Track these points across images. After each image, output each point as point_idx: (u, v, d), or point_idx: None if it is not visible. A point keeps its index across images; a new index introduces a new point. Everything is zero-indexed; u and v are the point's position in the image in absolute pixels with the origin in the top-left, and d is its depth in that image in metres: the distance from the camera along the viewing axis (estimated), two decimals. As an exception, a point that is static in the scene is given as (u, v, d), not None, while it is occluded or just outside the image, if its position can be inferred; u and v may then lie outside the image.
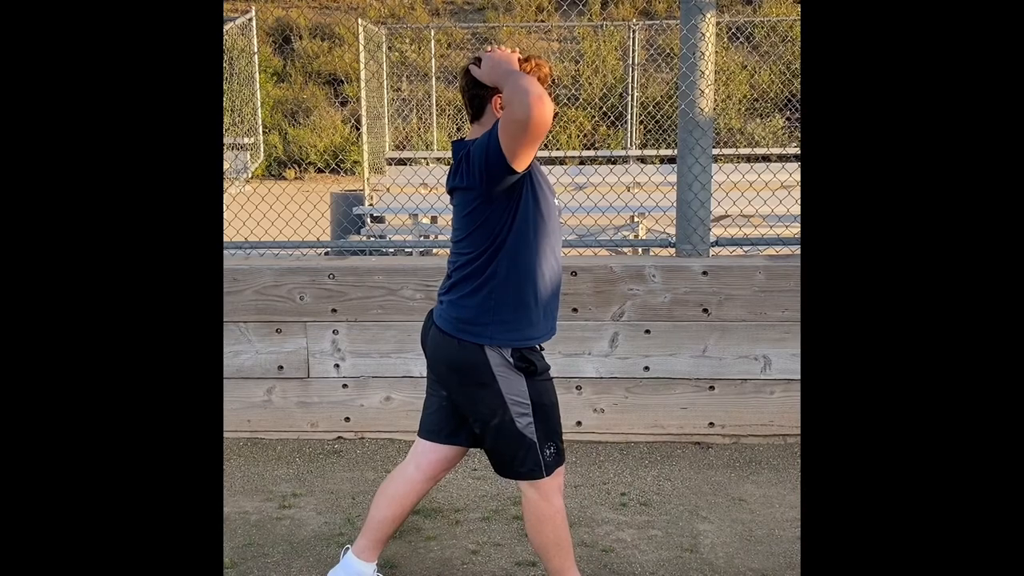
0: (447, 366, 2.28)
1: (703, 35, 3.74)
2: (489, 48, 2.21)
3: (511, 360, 2.22)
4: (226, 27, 6.60)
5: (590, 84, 11.76)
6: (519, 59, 2.18)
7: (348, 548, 2.52)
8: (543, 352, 2.35)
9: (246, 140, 6.85)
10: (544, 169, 2.34)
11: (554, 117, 2.03)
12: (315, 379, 3.77)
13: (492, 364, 2.20)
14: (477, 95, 2.20)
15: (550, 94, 2.09)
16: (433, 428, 2.42)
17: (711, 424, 3.71)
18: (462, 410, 2.33)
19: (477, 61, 2.20)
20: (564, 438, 2.39)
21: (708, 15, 3.73)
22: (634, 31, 9.09)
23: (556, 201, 2.28)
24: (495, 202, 2.13)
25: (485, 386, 2.22)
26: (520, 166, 2.06)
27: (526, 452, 2.25)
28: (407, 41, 11.98)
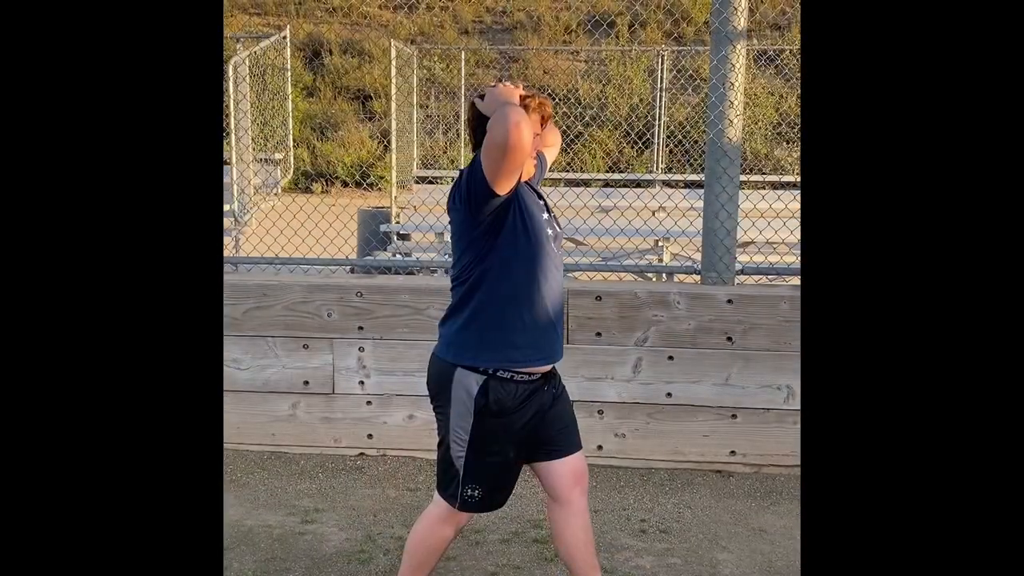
0: (428, 383, 2.34)
1: (733, 65, 3.77)
2: (494, 83, 2.31)
3: (474, 393, 2.22)
4: (261, 44, 6.71)
5: (616, 105, 11.79)
6: (521, 95, 2.25)
7: None
8: (546, 387, 2.31)
9: (277, 156, 6.95)
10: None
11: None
12: (340, 395, 3.81)
13: (453, 389, 2.24)
14: (480, 126, 2.27)
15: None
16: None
17: (732, 453, 3.71)
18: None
19: (482, 96, 2.29)
20: (572, 469, 2.35)
21: (738, 45, 3.76)
22: (662, 55, 9.13)
23: (552, 231, 2.29)
24: (480, 225, 2.19)
25: (443, 407, 2.28)
26: (502, 189, 2.13)
27: (450, 479, 2.29)
28: (436, 59, 12.10)
